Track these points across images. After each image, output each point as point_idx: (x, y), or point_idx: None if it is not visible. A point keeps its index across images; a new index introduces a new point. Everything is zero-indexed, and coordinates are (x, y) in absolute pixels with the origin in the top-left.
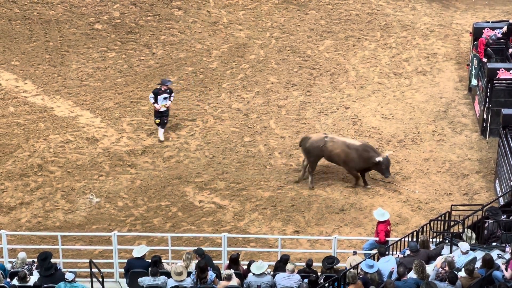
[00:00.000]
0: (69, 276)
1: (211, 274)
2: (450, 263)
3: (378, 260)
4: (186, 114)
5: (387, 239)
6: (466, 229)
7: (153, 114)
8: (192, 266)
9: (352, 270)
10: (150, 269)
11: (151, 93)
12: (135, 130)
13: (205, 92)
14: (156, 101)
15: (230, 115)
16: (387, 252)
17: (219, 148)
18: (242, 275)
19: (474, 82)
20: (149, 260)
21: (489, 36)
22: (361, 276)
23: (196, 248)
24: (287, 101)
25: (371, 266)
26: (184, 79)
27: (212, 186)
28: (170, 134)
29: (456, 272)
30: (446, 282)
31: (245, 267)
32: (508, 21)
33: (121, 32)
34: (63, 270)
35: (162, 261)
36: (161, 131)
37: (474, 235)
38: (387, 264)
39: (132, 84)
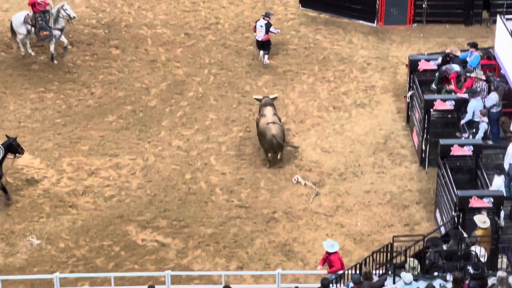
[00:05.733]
0: None
1: None
2: None
3: None
4: (126, 153)
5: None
6: (409, 259)
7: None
8: None
9: None
10: None
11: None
12: (75, 170)
13: (144, 131)
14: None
15: (171, 152)
16: (330, 285)
17: (160, 186)
18: None
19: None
20: None
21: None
22: None
23: (148, 285)
24: (227, 137)
25: None
26: (124, 118)
27: (154, 224)
28: (111, 173)
29: None
30: None
31: None
32: (444, 52)
33: (59, 72)
34: None
35: None
36: (265, 56)
37: (418, 265)
38: None
39: (71, 124)
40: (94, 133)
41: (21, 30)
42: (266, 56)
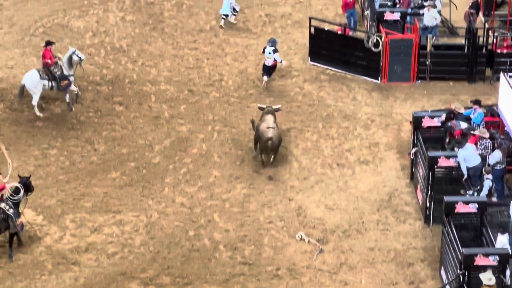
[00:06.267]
0: None
1: None
2: None
3: None
4: (129, 210)
5: None
6: None
7: None
8: None
9: None
10: None
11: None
12: (78, 227)
13: (148, 187)
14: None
15: (174, 209)
16: None
17: (164, 243)
18: None
19: None
20: None
21: None
22: None
23: None
24: (230, 194)
25: None
26: (127, 174)
27: (158, 281)
28: (114, 230)
29: None
30: None
31: None
32: (447, 109)
33: (63, 129)
34: None
35: None
36: (265, 78)
37: None
38: None
39: (74, 181)
40: (98, 189)
41: (39, 88)
42: (266, 77)
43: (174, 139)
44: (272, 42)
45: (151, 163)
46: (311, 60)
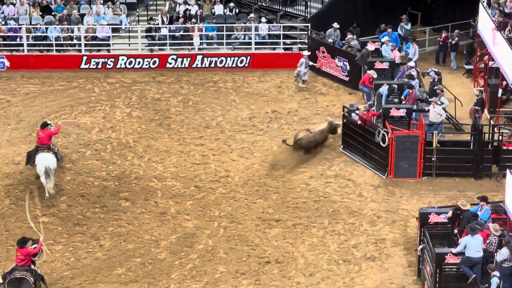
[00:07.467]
0: None
1: None
2: None
3: None
4: None
5: None
6: None
7: None
8: None
9: None
10: None
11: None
12: None
13: (153, 283)
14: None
15: None
16: None
17: None
18: None
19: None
20: None
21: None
22: None
23: None
24: None
25: None
26: (132, 270)
27: None
28: None
29: None
30: None
31: None
32: (454, 205)
33: (68, 225)
34: None
35: None
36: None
37: None
38: None
39: (79, 277)
40: (103, 286)
41: (55, 167)
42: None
43: (180, 235)
44: (351, 106)
45: (157, 259)
46: (342, 149)
